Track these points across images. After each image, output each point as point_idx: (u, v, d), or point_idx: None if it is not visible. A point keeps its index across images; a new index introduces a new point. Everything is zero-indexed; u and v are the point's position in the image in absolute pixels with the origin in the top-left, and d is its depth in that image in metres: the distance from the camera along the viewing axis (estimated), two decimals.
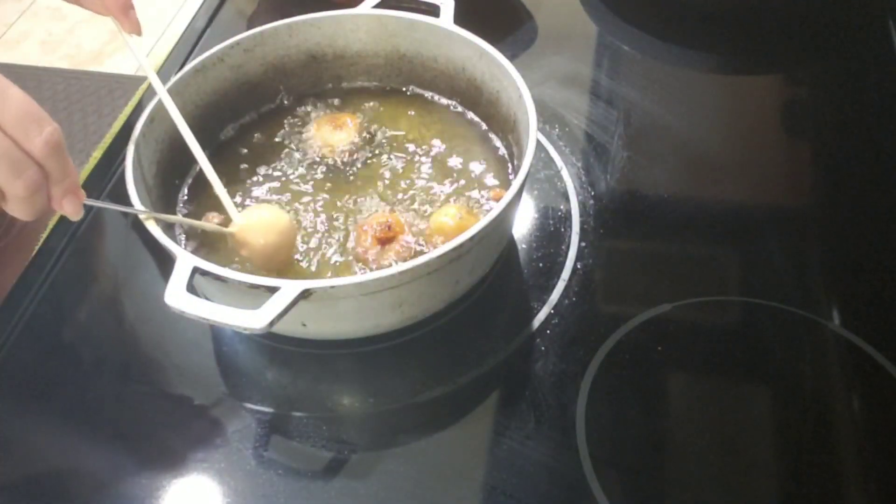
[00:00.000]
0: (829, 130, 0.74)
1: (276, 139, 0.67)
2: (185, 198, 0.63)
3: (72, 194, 0.47)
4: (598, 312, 0.59)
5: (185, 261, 0.48)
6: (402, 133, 0.67)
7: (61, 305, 0.61)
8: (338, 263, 0.58)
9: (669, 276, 0.62)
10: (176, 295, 0.47)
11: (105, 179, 0.71)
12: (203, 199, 0.63)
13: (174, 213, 0.61)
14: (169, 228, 0.59)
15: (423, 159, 0.65)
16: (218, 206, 0.59)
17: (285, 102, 0.70)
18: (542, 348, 0.57)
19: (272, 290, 0.46)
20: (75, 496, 0.51)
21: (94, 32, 2.31)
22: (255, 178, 0.64)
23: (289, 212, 0.61)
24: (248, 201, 0.62)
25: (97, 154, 0.74)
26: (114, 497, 0.51)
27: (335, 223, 0.60)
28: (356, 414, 0.55)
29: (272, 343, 0.58)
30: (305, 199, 0.62)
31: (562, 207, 0.66)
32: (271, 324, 0.45)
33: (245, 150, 0.67)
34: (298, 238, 0.59)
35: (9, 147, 0.42)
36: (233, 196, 0.62)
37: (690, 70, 0.81)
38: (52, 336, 0.59)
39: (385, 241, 0.57)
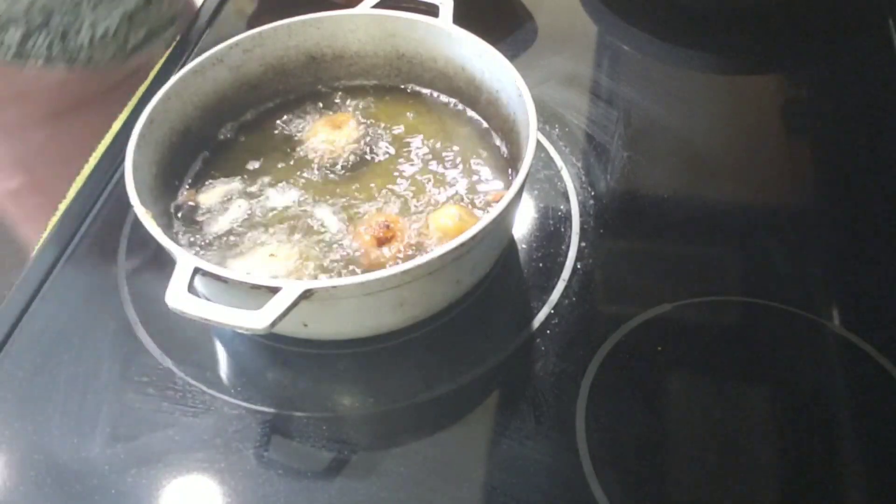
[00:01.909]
0: (830, 130, 0.74)
1: (276, 139, 0.67)
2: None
3: None
4: (598, 312, 0.59)
5: (186, 261, 0.48)
6: (402, 133, 0.67)
7: (62, 305, 0.61)
8: (338, 263, 0.58)
9: (669, 276, 0.62)
10: (177, 295, 0.47)
11: (105, 180, 0.71)
12: None
13: (175, 215, 0.61)
14: (169, 229, 0.59)
15: (423, 159, 0.65)
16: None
17: (284, 103, 0.70)
18: (542, 348, 0.57)
19: (273, 290, 0.46)
20: (75, 496, 0.51)
21: None
22: (253, 179, 0.64)
23: (286, 212, 0.61)
24: (246, 202, 0.62)
25: (97, 154, 0.74)
26: (114, 497, 0.51)
27: (334, 223, 0.60)
28: (356, 414, 0.55)
29: (273, 343, 0.58)
30: (305, 199, 0.62)
31: (562, 207, 0.66)
32: (273, 324, 0.45)
33: (244, 151, 0.67)
34: (297, 238, 0.59)
35: None
36: (231, 196, 0.62)
37: (690, 70, 0.81)
38: (52, 336, 0.59)
39: (385, 240, 0.57)
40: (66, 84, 0.85)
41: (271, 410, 0.55)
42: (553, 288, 0.60)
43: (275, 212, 0.61)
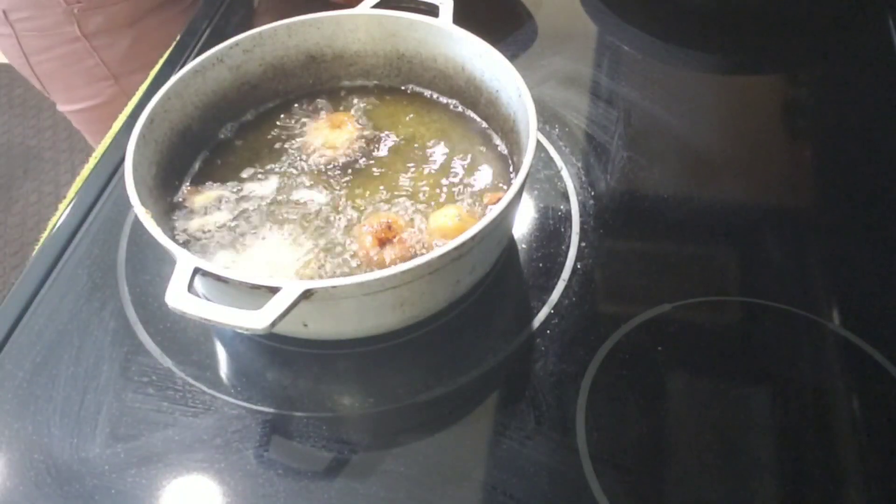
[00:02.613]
0: (830, 130, 0.74)
1: (275, 139, 0.67)
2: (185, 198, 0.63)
3: None
4: (598, 312, 0.59)
5: (186, 261, 0.48)
6: (402, 133, 0.67)
7: (62, 305, 0.61)
8: (338, 263, 0.58)
9: (669, 276, 0.62)
10: (177, 295, 0.47)
11: (106, 180, 0.71)
12: None
13: (173, 212, 0.61)
14: (169, 228, 0.59)
15: (423, 159, 0.65)
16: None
17: (284, 103, 0.70)
18: (542, 348, 0.57)
19: (273, 290, 0.46)
20: (75, 496, 0.51)
21: None
22: (253, 179, 0.64)
23: (286, 212, 0.61)
24: (247, 202, 0.62)
25: (97, 154, 0.74)
26: (114, 497, 0.51)
27: (334, 223, 0.60)
28: (356, 414, 0.55)
29: (273, 343, 0.58)
30: (304, 199, 0.62)
31: (562, 207, 0.66)
32: (273, 324, 0.45)
33: (244, 150, 0.67)
34: (297, 239, 0.59)
35: None
36: (231, 196, 0.62)
37: (690, 70, 0.81)
38: (52, 336, 0.59)
39: (385, 240, 0.57)
40: None
41: (271, 410, 0.55)
42: (553, 288, 0.60)
43: (274, 210, 0.61)
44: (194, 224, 0.60)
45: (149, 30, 0.98)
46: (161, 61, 0.84)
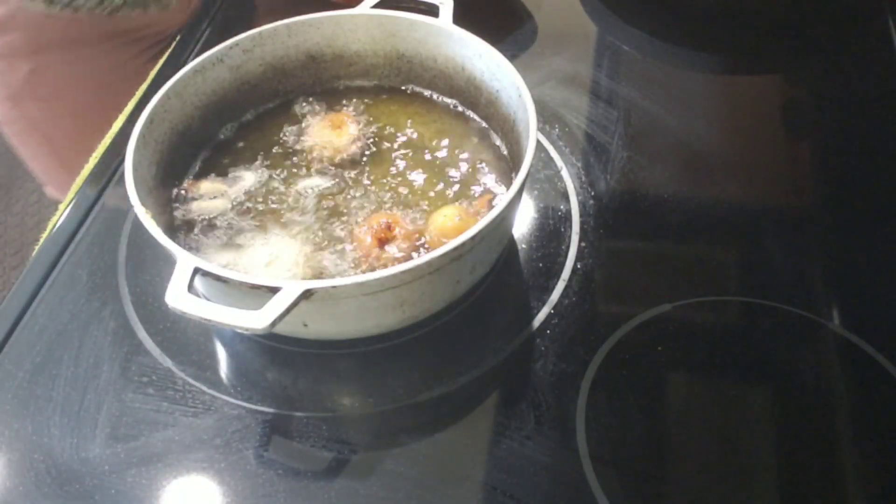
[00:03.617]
0: (829, 130, 0.74)
1: (275, 139, 0.67)
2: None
3: None
4: (598, 312, 0.59)
5: (186, 261, 0.48)
6: (402, 133, 0.67)
7: (62, 305, 0.61)
8: (338, 263, 0.58)
9: (669, 276, 0.62)
10: (177, 295, 0.47)
11: (105, 180, 0.71)
12: None
13: (172, 213, 0.61)
14: (169, 228, 0.59)
15: (423, 159, 0.65)
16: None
17: (284, 103, 0.70)
18: (542, 348, 0.57)
19: (273, 290, 0.46)
20: (75, 496, 0.51)
21: None
22: (253, 179, 0.64)
23: (287, 212, 0.61)
24: (247, 202, 0.62)
25: (97, 154, 0.74)
26: (114, 497, 0.51)
27: (334, 223, 0.60)
28: (356, 414, 0.55)
29: (273, 343, 0.58)
30: (305, 199, 0.62)
31: (562, 207, 0.66)
32: (273, 324, 0.45)
33: (244, 150, 0.67)
34: (297, 239, 0.59)
35: None
36: (231, 195, 0.62)
37: (690, 70, 0.81)
38: (52, 336, 0.59)
39: (385, 240, 0.57)
40: (48, 21, 0.90)
41: (271, 410, 0.55)
42: (553, 288, 0.60)
43: (274, 211, 0.61)
44: (193, 208, 0.61)
45: (49, 64, 0.95)
46: (161, 60, 0.84)
